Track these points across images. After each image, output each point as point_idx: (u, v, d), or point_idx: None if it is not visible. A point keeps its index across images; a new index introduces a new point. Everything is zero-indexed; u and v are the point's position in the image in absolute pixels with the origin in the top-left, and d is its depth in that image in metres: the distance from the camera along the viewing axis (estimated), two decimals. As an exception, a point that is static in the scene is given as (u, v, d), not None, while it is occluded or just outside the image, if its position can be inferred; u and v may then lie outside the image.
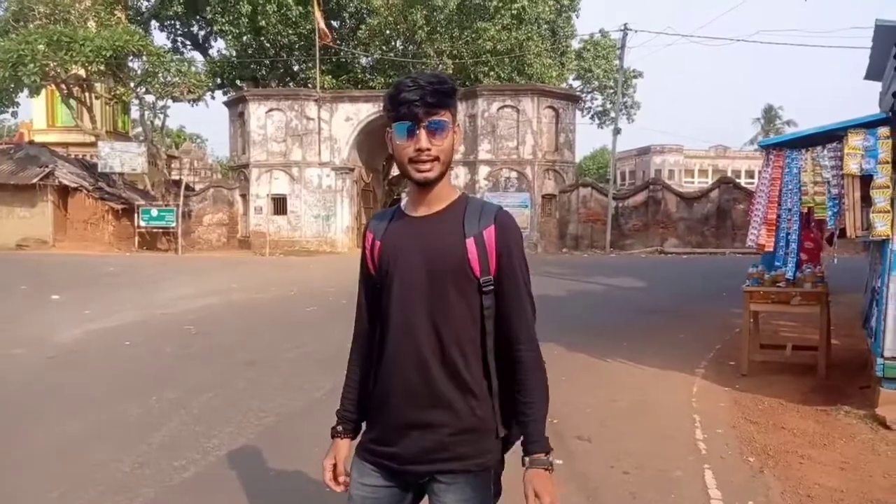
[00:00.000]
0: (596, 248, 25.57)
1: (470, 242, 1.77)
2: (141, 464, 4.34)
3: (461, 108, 24.96)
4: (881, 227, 5.20)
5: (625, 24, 28.03)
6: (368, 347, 1.94)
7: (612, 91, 32.43)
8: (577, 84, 34.45)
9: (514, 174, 25.34)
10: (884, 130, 5.33)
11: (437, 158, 1.76)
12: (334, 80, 28.50)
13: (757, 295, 6.66)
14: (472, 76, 27.98)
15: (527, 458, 1.77)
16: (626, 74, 31.97)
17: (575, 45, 33.22)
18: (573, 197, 26.29)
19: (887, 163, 5.25)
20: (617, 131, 29.11)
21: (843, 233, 5.97)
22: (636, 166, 61.81)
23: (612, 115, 31.78)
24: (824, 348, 6.54)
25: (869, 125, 5.48)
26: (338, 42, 28.02)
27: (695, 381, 6.47)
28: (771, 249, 6.57)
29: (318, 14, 25.03)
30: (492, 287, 1.79)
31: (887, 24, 5.48)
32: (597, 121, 35.91)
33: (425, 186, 1.80)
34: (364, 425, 1.98)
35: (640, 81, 35.38)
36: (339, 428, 2.00)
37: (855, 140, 5.44)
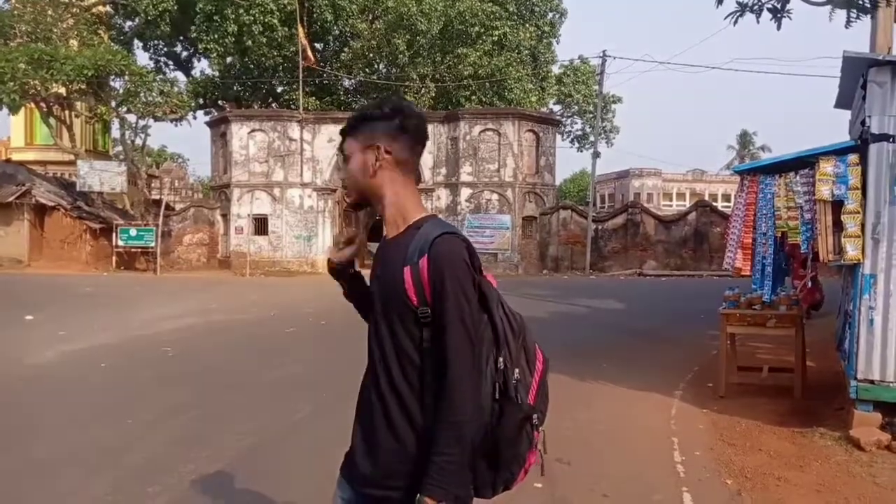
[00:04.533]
0: (576, 269, 25.72)
1: (407, 271, 1.74)
2: (114, 489, 4.27)
3: (443, 130, 25.22)
4: (852, 251, 5.32)
5: (603, 51, 28.73)
6: None
7: (591, 115, 32.92)
8: (557, 108, 34.96)
9: (495, 196, 25.50)
10: (853, 157, 5.47)
11: (350, 184, 1.90)
12: (317, 102, 28.63)
13: (733, 317, 6.75)
14: (454, 100, 28.28)
15: (416, 496, 1.69)
16: (605, 99, 32.49)
17: (555, 70, 33.81)
18: (553, 219, 26.50)
19: (857, 189, 5.38)
20: (596, 155, 29.53)
21: (816, 256, 6.10)
22: (615, 189, 62.47)
23: (592, 138, 32.22)
24: (800, 370, 6.63)
25: (839, 152, 5.62)
26: (321, 64, 28.19)
27: (673, 402, 6.52)
28: (747, 273, 6.69)
29: (302, 36, 25.19)
30: (429, 318, 1.73)
31: (854, 55, 5.64)
32: (576, 144, 36.46)
33: (359, 210, 1.94)
34: None
35: (619, 106, 35.92)
36: None
37: (826, 166, 5.57)
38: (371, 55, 28.50)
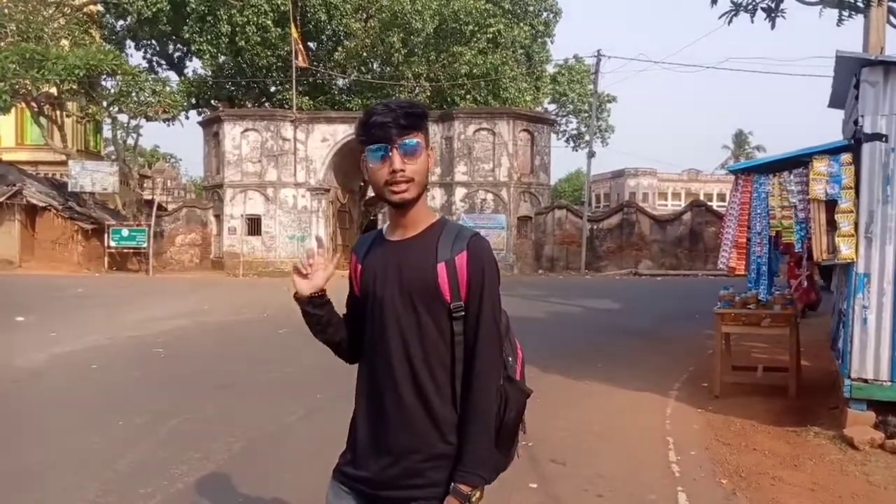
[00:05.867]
0: (571, 269, 25.73)
1: (441, 267, 1.77)
2: (105, 491, 4.22)
3: (438, 130, 25.16)
4: (846, 250, 5.32)
5: (598, 50, 28.70)
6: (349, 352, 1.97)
7: (586, 115, 32.95)
8: (552, 107, 34.96)
9: (490, 196, 25.48)
10: (846, 157, 5.48)
11: (412, 180, 1.78)
12: (311, 102, 28.53)
13: (728, 317, 6.75)
14: (449, 99, 28.24)
15: (451, 484, 1.75)
16: (599, 99, 32.52)
17: (550, 69, 33.79)
18: (548, 219, 26.49)
19: (850, 188, 5.39)
20: (591, 154, 29.51)
21: (811, 255, 6.10)
22: (611, 189, 62.54)
23: (587, 138, 32.23)
24: (794, 370, 6.64)
25: (833, 151, 5.63)
26: (315, 64, 28.11)
27: (668, 402, 6.50)
28: (742, 272, 6.69)
29: (295, 35, 25.09)
30: (462, 313, 1.78)
31: (847, 55, 5.64)
32: (571, 144, 36.49)
33: (402, 209, 1.82)
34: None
35: (614, 105, 36.02)
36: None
37: (820, 166, 5.58)
38: (365, 54, 28.42)
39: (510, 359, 1.90)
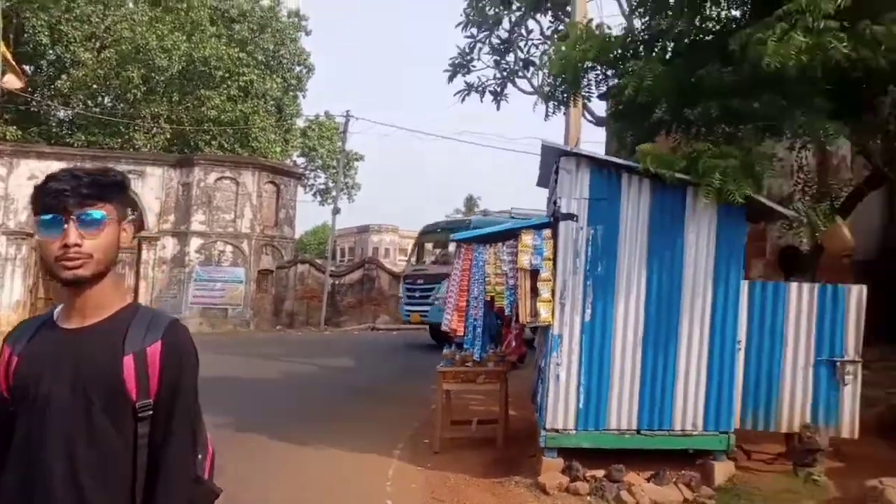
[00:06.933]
0: (311, 324, 25.48)
1: (128, 360, 1.55)
2: None
3: (175, 175, 23.56)
4: (545, 314, 6.04)
5: (347, 111, 29.70)
6: None
7: (334, 171, 33.57)
8: (301, 161, 35.04)
9: (229, 248, 24.31)
10: (547, 232, 6.28)
11: (91, 256, 1.54)
12: (19, 132, 24.86)
13: (449, 375, 7.19)
14: (192, 143, 26.73)
15: None
16: (347, 156, 33.44)
17: (300, 123, 34.01)
18: (290, 273, 26.09)
19: (550, 259, 6.17)
20: (336, 211, 29.91)
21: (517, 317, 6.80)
22: (356, 243, 64.14)
23: (334, 193, 32.76)
24: (503, 421, 7.24)
25: (538, 227, 6.43)
26: (30, 90, 24.67)
27: (392, 462, 6.61)
28: (462, 333, 7.22)
29: (6, 52, 21.79)
30: (150, 412, 1.57)
31: (550, 145, 6.57)
32: (319, 198, 36.79)
33: (78, 288, 1.56)
34: None
35: (362, 164, 37.31)
36: None
37: (527, 239, 6.31)
38: (95, 86, 25.77)
39: (199, 456, 1.72)
